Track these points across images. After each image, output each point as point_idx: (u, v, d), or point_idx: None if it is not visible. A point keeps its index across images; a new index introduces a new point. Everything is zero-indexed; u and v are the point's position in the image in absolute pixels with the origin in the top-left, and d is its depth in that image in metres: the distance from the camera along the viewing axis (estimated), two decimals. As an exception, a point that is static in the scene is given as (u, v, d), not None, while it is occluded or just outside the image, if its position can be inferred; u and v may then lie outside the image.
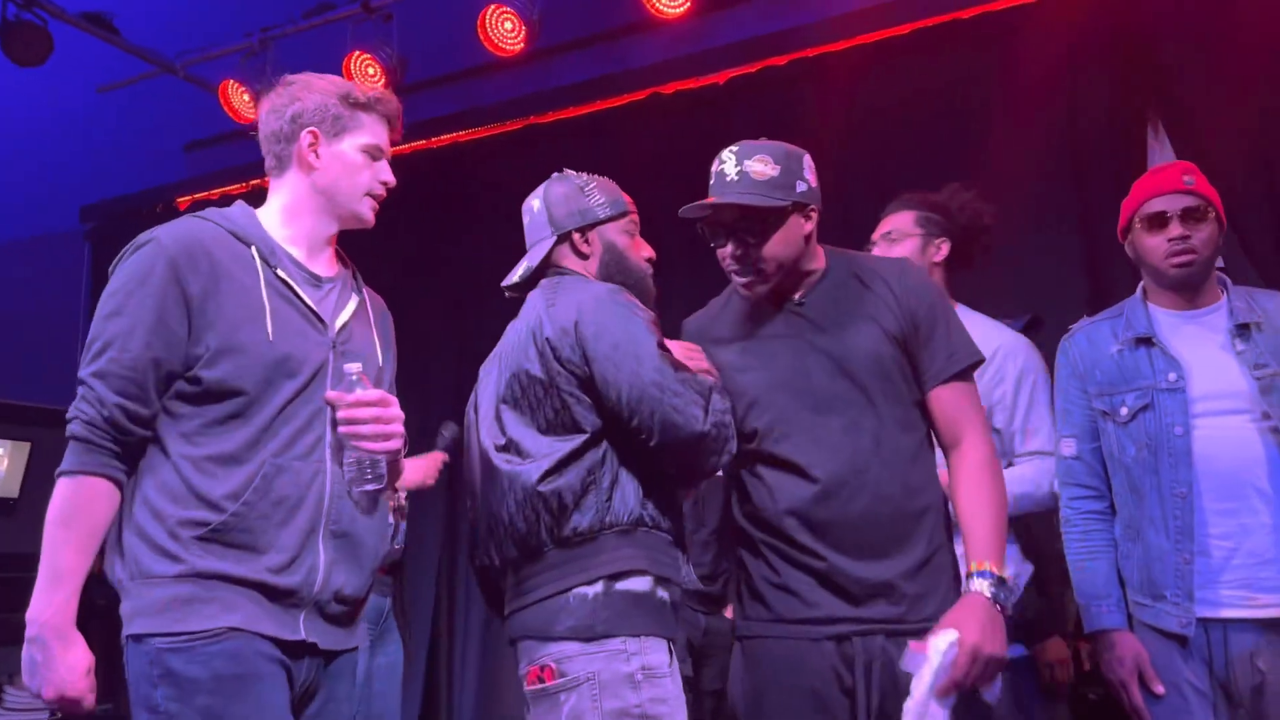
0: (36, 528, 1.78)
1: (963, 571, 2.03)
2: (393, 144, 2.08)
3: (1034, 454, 2.67)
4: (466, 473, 2.26)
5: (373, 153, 2.02)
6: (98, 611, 2.51)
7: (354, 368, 1.90)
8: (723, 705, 3.49)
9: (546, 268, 2.26)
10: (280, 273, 1.92)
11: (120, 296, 1.82)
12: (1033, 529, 2.75)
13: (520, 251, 5.21)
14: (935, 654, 1.87)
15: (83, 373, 1.81)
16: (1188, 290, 2.42)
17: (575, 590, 2.00)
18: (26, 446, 5.67)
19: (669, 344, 2.11)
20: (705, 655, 3.66)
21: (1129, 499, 2.38)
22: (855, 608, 2.05)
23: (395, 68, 4.68)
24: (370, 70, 4.64)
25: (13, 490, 5.65)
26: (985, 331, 2.57)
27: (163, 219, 1.98)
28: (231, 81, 5.04)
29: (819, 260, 2.24)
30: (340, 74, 2.29)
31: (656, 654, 2.00)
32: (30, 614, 1.73)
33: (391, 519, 3.67)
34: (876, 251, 2.83)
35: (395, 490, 3.75)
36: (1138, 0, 3.88)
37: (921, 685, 1.85)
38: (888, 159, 4.10)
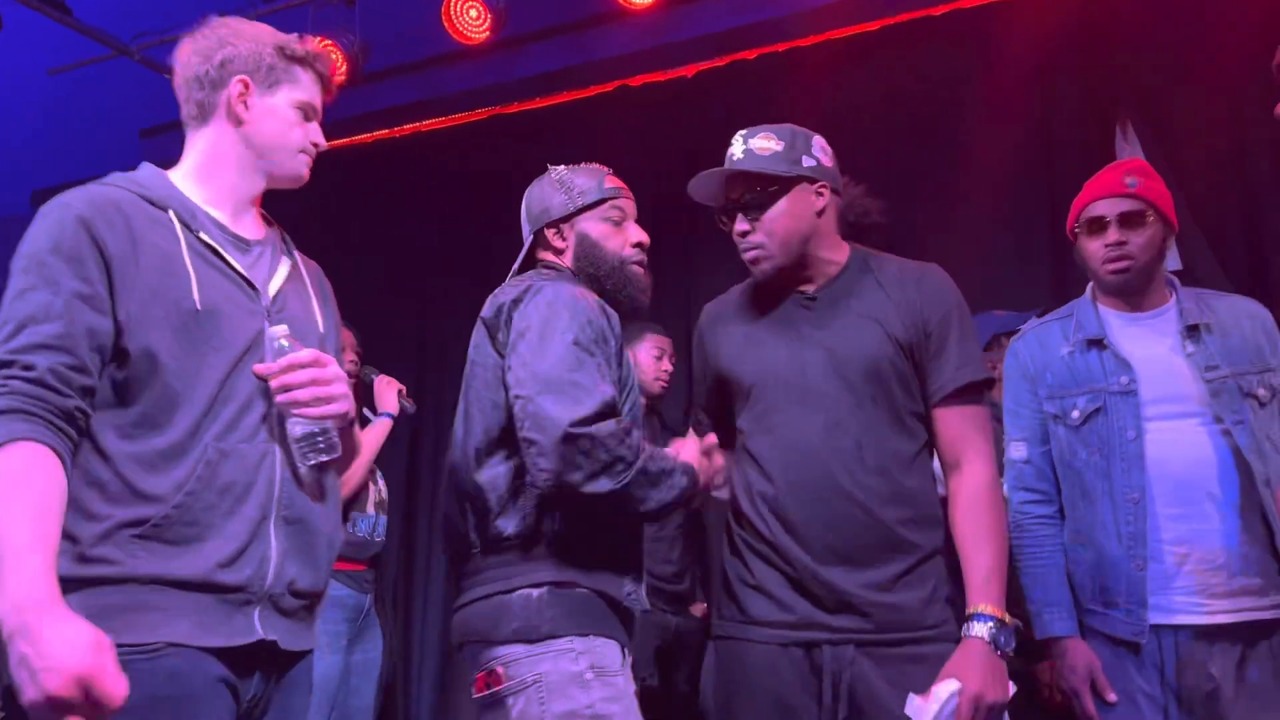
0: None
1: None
2: (325, 107, 1.94)
3: None
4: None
5: (306, 111, 1.88)
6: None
7: (279, 330, 1.73)
8: (694, 706, 3.50)
9: (532, 263, 2.24)
10: (203, 236, 1.75)
11: (33, 271, 1.61)
12: None
13: (483, 242, 5.20)
14: (937, 703, 1.87)
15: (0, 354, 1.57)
16: (1131, 294, 2.43)
17: (518, 591, 1.94)
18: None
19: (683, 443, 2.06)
20: (675, 656, 3.66)
21: (1079, 504, 2.38)
22: (827, 614, 2.04)
23: (357, 55, 4.64)
24: (332, 57, 4.59)
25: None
26: None
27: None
28: (189, 66, 4.96)
29: (840, 253, 2.25)
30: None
31: (606, 653, 1.94)
32: (1, 608, 1.43)
33: (373, 512, 3.66)
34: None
35: (377, 483, 3.73)
36: (1108, -1, 3.92)
37: None
38: (857, 156, 4.09)
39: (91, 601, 1.53)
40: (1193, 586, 2.25)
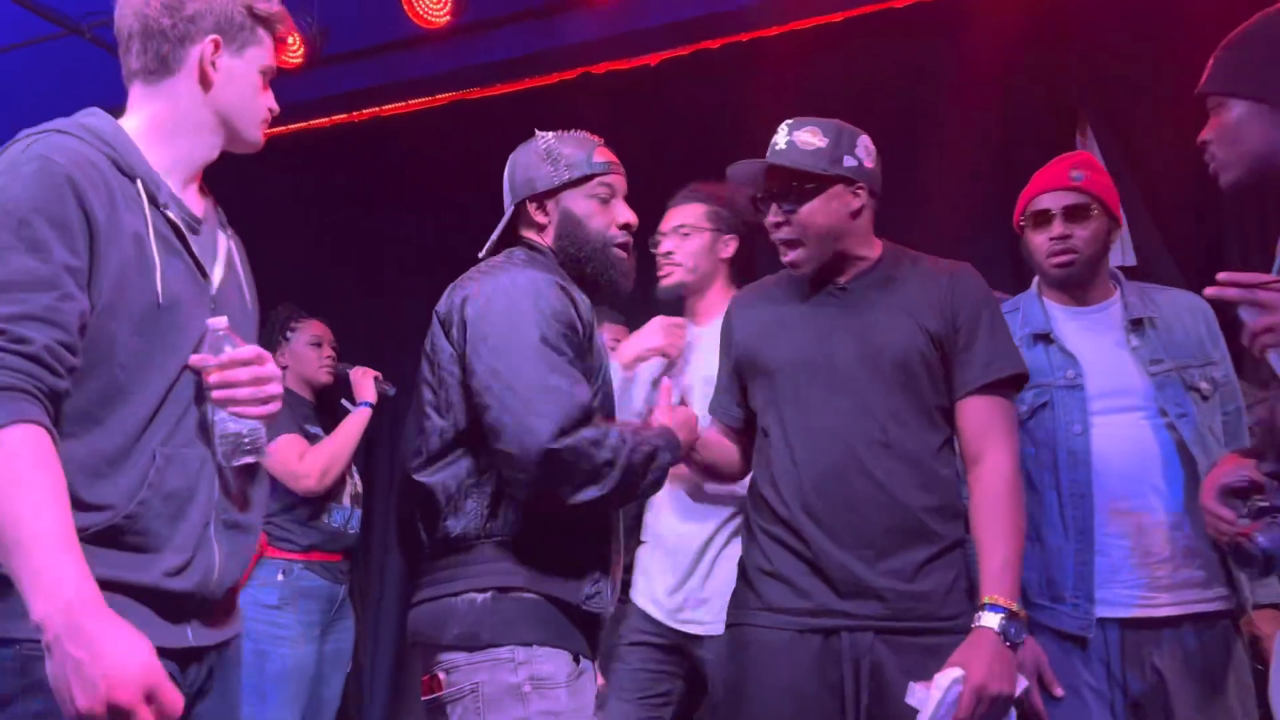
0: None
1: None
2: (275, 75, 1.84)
3: None
4: None
5: (268, 75, 1.79)
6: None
7: (220, 322, 1.65)
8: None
9: (511, 237, 2.16)
10: (170, 215, 1.65)
11: (9, 229, 1.47)
12: None
13: (444, 229, 5.17)
14: (939, 691, 1.88)
15: None
16: (1075, 288, 2.47)
17: (464, 595, 1.89)
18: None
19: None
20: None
21: (1027, 498, 2.38)
22: (846, 601, 2.06)
23: (315, 37, 4.62)
24: (289, 39, 4.57)
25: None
26: None
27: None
28: (141, 46, 4.92)
29: (874, 249, 2.28)
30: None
31: (550, 664, 1.88)
32: (43, 609, 1.32)
33: (348, 504, 3.67)
34: (668, 245, 2.86)
35: (353, 476, 3.75)
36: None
37: None
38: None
39: None
40: (1138, 580, 2.29)
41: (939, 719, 1.87)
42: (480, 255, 2.16)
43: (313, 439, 3.63)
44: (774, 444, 2.19)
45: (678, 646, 2.70)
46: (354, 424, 3.69)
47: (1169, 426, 2.33)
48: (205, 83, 1.71)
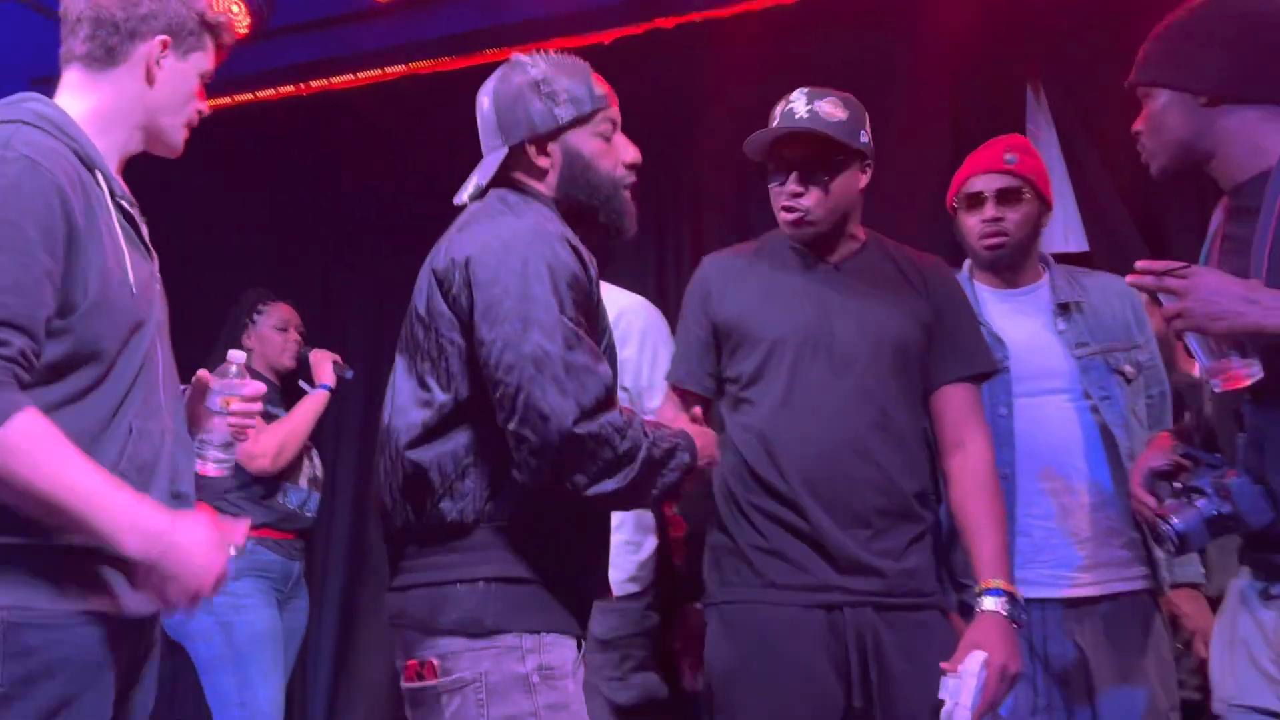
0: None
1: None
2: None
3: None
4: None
5: (205, 80, 1.86)
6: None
7: (238, 355, 1.92)
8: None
9: (502, 182, 1.94)
10: (124, 204, 1.73)
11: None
12: None
13: (393, 204, 5.17)
14: (971, 677, 1.94)
15: None
16: (1005, 270, 2.54)
17: (463, 580, 1.77)
18: None
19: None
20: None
21: None
22: (846, 577, 2.10)
23: (262, 9, 4.60)
24: (234, 9, 4.56)
25: None
26: (610, 295, 2.44)
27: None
28: (84, 12, 4.87)
29: (861, 231, 2.31)
30: (204, 13, 2.13)
31: (558, 652, 1.78)
32: (137, 546, 1.54)
33: (305, 486, 3.70)
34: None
35: (312, 460, 3.79)
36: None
37: (962, 710, 1.92)
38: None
39: (19, 559, 1.55)
40: (1060, 560, 2.37)
41: (976, 702, 1.93)
42: (462, 201, 1.96)
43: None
44: (765, 418, 2.17)
45: None
46: (310, 406, 3.71)
47: (1093, 409, 2.41)
48: (149, 79, 1.79)
